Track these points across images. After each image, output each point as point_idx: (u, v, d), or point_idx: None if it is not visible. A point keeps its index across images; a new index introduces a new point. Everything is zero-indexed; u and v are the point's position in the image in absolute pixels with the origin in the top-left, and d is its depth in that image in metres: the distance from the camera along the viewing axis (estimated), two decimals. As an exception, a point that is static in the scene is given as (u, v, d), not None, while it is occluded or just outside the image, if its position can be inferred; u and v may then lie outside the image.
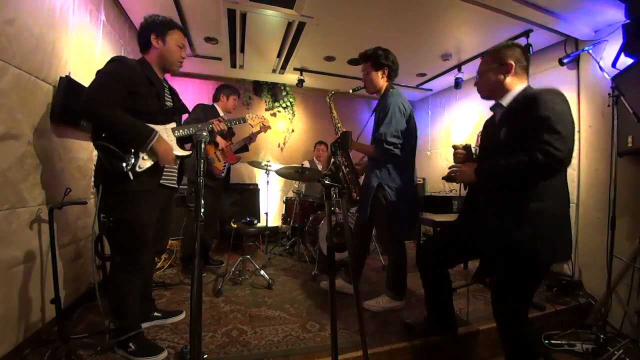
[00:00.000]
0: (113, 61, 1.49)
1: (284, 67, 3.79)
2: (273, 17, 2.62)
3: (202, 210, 1.07)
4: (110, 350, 1.51)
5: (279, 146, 4.73)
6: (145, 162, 1.49)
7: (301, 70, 3.88)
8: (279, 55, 3.47)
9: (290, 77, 4.09)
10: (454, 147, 1.63)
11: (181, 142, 1.69)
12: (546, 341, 1.96)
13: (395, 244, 2.12)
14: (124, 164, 1.41)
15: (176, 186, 1.77)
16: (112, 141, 1.40)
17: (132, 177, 1.42)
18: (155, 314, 1.85)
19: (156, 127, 1.51)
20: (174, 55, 1.62)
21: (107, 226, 1.47)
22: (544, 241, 1.26)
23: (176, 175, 1.75)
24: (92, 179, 1.54)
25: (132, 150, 1.44)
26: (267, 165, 3.22)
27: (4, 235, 1.34)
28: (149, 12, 1.64)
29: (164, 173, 1.62)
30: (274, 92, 4.63)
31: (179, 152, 1.65)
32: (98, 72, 1.45)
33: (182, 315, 1.91)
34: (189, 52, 3.40)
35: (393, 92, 2.11)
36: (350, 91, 2.14)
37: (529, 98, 1.32)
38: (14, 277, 1.41)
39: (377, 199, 2.06)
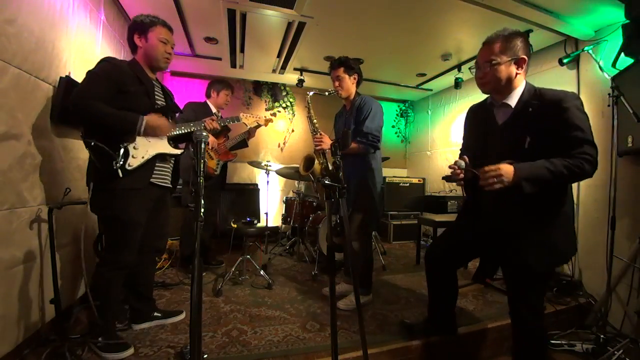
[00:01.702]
0: (102, 62, 1.53)
1: (284, 67, 3.79)
2: (273, 17, 2.62)
3: (202, 210, 1.07)
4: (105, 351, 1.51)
5: (279, 146, 4.73)
6: (135, 160, 1.51)
7: (301, 70, 3.88)
8: (279, 55, 3.47)
9: (290, 77, 4.09)
10: (452, 167, 1.44)
11: (174, 141, 1.70)
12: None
13: (368, 238, 2.23)
14: (114, 162, 1.44)
15: (170, 186, 1.77)
16: (102, 140, 1.43)
17: (120, 175, 1.45)
18: (156, 314, 1.85)
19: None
20: (158, 51, 1.63)
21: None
22: (572, 241, 1.36)
23: (170, 174, 1.75)
24: (85, 178, 1.57)
25: (122, 149, 1.47)
26: (267, 165, 3.22)
27: (4, 235, 1.34)
28: (148, 12, 1.65)
29: (156, 172, 1.63)
30: (274, 92, 4.64)
31: (172, 151, 1.66)
32: (88, 72, 1.49)
33: (182, 315, 1.91)
34: (188, 52, 3.41)
35: (365, 96, 2.23)
36: (327, 93, 2.19)
37: (552, 103, 1.29)
38: (14, 277, 1.41)
39: (361, 193, 2.12)
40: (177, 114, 1.85)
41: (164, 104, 1.72)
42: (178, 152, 1.71)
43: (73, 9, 1.86)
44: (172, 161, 1.76)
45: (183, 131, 1.77)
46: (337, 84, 2.21)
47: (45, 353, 1.44)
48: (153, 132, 1.57)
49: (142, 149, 1.55)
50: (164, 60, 1.68)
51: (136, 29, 1.62)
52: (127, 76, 1.54)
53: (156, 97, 1.67)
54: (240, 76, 4.29)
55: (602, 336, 1.83)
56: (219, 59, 3.62)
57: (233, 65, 3.78)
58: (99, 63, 1.53)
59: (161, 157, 1.64)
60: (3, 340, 1.34)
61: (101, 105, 1.42)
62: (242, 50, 3.36)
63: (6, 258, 1.36)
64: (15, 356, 1.40)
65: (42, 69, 1.58)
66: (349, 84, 2.21)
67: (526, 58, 1.35)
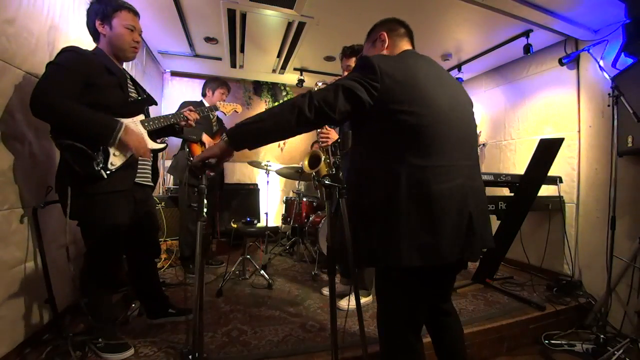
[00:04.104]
0: (64, 51, 1.35)
1: (284, 67, 3.79)
2: (273, 17, 2.62)
3: (205, 210, 1.06)
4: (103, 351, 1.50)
5: (279, 146, 4.73)
6: (117, 159, 1.38)
7: (301, 70, 3.88)
8: (279, 55, 3.47)
9: (290, 77, 4.09)
10: None
11: (153, 135, 1.59)
12: (546, 341, 1.96)
13: None
14: (95, 163, 1.30)
15: (152, 184, 1.69)
16: (77, 139, 1.28)
17: (105, 177, 1.33)
18: (170, 310, 1.85)
19: (123, 120, 1.41)
20: (124, 40, 1.46)
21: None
22: (384, 241, 0.98)
23: (150, 171, 1.67)
24: (56, 182, 1.41)
25: (101, 147, 1.34)
26: (267, 166, 3.22)
27: (4, 235, 1.34)
28: (149, 12, 1.64)
29: (139, 170, 1.53)
30: (274, 92, 4.64)
31: (154, 146, 1.55)
32: (49, 64, 1.32)
33: None
34: (188, 52, 3.40)
35: None
36: None
37: None
38: (14, 276, 1.41)
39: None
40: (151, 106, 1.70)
41: (137, 97, 1.59)
42: (161, 146, 1.59)
43: (73, 9, 1.86)
44: (152, 157, 1.65)
45: (162, 124, 1.61)
46: (346, 74, 2.11)
47: (45, 352, 1.44)
48: (128, 146, 1.38)
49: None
50: (131, 50, 1.51)
51: (97, 14, 1.43)
52: (94, 67, 1.38)
53: (129, 89, 1.54)
54: (240, 76, 4.29)
55: (602, 336, 1.83)
56: (219, 59, 3.61)
57: (233, 65, 3.78)
58: (60, 53, 1.35)
59: None
60: (4, 340, 1.34)
61: (70, 104, 1.26)
62: (242, 50, 3.35)
63: (7, 258, 1.36)
64: (16, 355, 1.40)
65: (42, 69, 1.56)
66: None
67: (384, 32, 1.33)
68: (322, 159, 1.93)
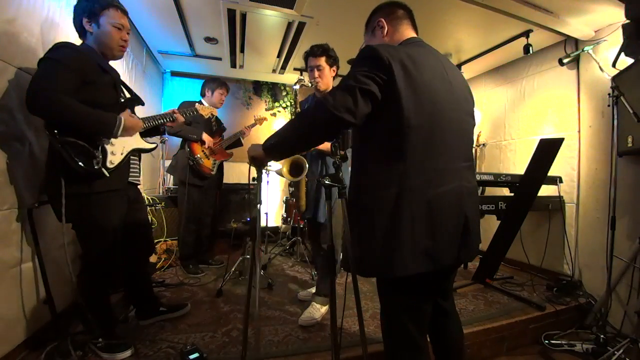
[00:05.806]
0: (60, 47, 1.31)
1: (284, 67, 3.79)
2: (273, 17, 2.62)
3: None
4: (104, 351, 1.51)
5: (278, 146, 4.73)
6: (115, 157, 1.38)
7: (301, 70, 3.88)
8: (279, 55, 3.47)
9: (290, 77, 4.10)
10: None
11: (143, 135, 1.62)
12: (546, 341, 1.96)
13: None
14: (95, 161, 1.29)
15: (139, 183, 1.71)
16: (77, 136, 1.26)
17: (107, 174, 1.32)
18: (162, 308, 1.85)
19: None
20: (112, 39, 1.42)
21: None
22: (377, 250, 0.95)
23: (139, 170, 1.69)
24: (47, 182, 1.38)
25: (99, 146, 1.34)
26: (267, 166, 3.22)
27: (4, 235, 1.34)
28: (149, 12, 1.64)
29: (131, 168, 1.55)
30: (274, 92, 4.64)
31: (146, 145, 1.58)
32: (42, 59, 1.28)
33: (188, 308, 1.93)
34: (188, 52, 3.40)
35: None
36: (310, 85, 1.98)
37: None
38: (14, 276, 1.41)
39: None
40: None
41: (127, 96, 1.59)
42: (152, 146, 1.61)
43: (72, 8, 1.85)
44: (139, 156, 1.67)
45: (152, 124, 1.64)
46: (317, 74, 1.95)
47: (45, 352, 1.44)
48: (127, 133, 1.43)
49: (119, 144, 1.41)
50: (119, 49, 1.47)
51: (84, 12, 1.39)
52: (90, 64, 1.36)
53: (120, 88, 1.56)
54: (240, 76, 4.29)
55: (602, 336, 1.83)
56: (219, 59, 3.62)
57: (233, 65, 3.78)
58: (54, 49, 1.30)
59: (133, 152, 1.53)
60: (4, 340, 1.34)
61: (70, 100, 1.23)
62: (242, 50, 3.36)
63: (7, 258, 1.36)
64: (16, 355, 1.40)
65: (42, 69, 1.57)
66: (329, 76, 1.97)
67: (382, 19, 1.27)
68: (304, 167, 1.81)
